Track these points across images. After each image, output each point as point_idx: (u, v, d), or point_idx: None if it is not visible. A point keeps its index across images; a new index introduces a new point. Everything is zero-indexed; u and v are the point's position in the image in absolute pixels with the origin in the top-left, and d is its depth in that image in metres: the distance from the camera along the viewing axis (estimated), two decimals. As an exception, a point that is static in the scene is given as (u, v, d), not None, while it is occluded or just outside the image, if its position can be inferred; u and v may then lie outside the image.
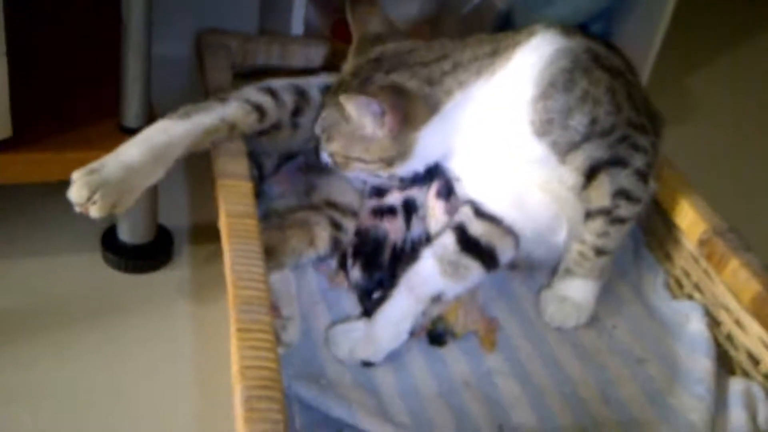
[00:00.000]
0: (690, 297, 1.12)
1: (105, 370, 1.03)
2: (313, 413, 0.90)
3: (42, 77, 1.18)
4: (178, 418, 0.98)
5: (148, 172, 0.95)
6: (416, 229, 1.09)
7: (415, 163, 1.03)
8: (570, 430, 0.95)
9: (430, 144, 1.01)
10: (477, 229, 1.03)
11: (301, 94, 1.09)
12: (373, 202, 1.11)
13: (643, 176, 1.04)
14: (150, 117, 1.11)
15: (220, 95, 1.03)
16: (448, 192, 1.07)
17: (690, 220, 1.10)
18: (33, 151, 1.05)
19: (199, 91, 1.29)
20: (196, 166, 1.36)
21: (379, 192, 1.11)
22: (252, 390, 0.72)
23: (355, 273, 1.06)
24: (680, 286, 1.14)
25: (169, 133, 0.97)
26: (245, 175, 0.98)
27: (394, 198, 1.10)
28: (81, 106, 1.14)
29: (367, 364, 0.98)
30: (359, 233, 1.09)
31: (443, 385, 0.98)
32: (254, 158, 1.12)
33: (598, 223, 1.04)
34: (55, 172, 1.07)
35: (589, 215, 1.04)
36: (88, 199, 0.91)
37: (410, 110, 0.98)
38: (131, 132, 1.09)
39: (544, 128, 0.98)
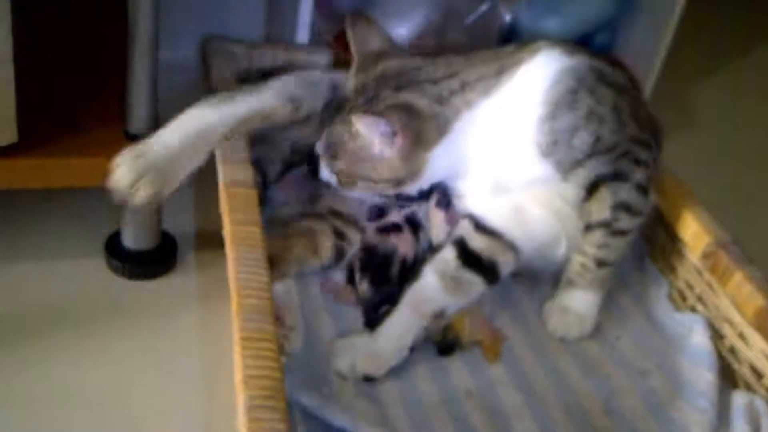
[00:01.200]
0: (693, 309, 1.12)
1: (108, 376, 1.03)
2: (315, 422, 0.90)
3: (48, 83, 1.18)
4: (181, 426, 0.98)
5: (191, 158, 0.95)
6: (423, 243, 1.09)
7: (423, 183, 1.03)
8: (572, 441, 0.95)
9: (439, 164, 1.00)
10: (477, 243, 1.03)
11: (334, 89, 1.09)
12: (374, 224, 1.11)
13: (643, 190, 1.04)
14: (156, 123, 1.11)
15: (254, 85, 1.03)
16: (447, 202, 1.08)
17: (694, 232, 1.09)
18: (38, 156, 1.05)
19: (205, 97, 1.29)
20: (201, 173, 1.36)
21: (380, 213, 1.11)
22: (255, 399, 0.72)
23: (364, 286, 1.06)
24: (683, 298, 1.14)
25: (206, 120, 0.96)
26: (250, 182, 0.98)
27: (396, 216, 1.11)
28: (86, 112, 1.14)
29: (368, 379, 0.97)
30: (366, 249, 1.09)
31: (446, 395, 0.98)
32: (258, 165, 1.12)
33: (598, 236, 1.04)
34: (60, 178, 1.07)
35: (589, 228, 1.04)
36: (133, 184, 0.89)
37: (421, 131, 0.97)
38: (137, 138, 1.09)
39: (549, 149, 0.98)
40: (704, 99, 2.00)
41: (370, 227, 1.11)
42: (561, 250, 1.06)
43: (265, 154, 1.17)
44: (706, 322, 1.08)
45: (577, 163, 0.99)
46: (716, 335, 1.07)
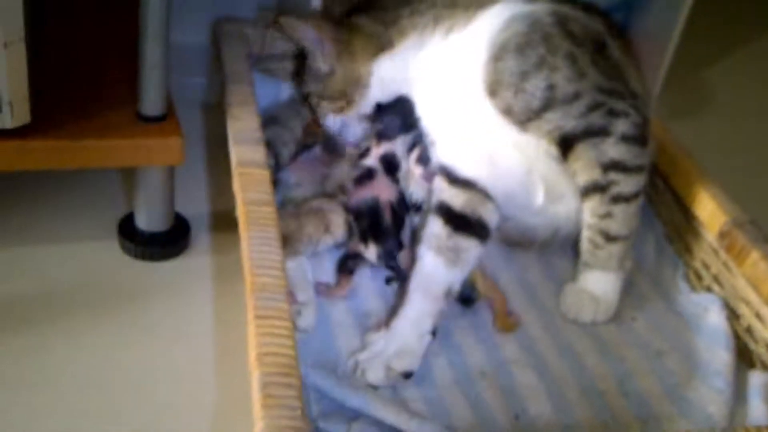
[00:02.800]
0: (709, 289, 1.11)
1: (122, 356, 1.03)
2: (329, 401, 0.90)
3: (61, 65, 1.18)
4: (196, 404, 0.98)
5: None
6: (402, 182, 1.12)
7: (375, 96, 1.10)
8: (587, 421, 0.94)
9: (385, 78, 1.08)
10: (457, 200, 1.03)
11: None
12: (353, 173, 1.12)
13: (634, 140, 1.01)
14: (168, 105, 1.11)
15: None
16: (427, 159, 1.10)
17: (710, 211, 1.08)
18: (51, 138, 1.05)
19: (217, 79, 1.29)
20: (214, 155, 1.37)
21: (364, 152, 1.14)
22: (269, 376, 0.72)
23: (372, 251, 1.06)
24: (699, 278, 1.13)
25: None
26: (263, 163, 0.98)
27: (371, 159, 1.12)
28: (99, 94, 1.14)
29: (407, 376, 0.95)
30: (353, 212, 1.09)
31: (459, 374, 0.97)
32: (271, 147, 1.13)
33: (595, 202, 1.03)
34: (73, 159, 1.07)
35: (585, 194, 1.03)
36: None
37: (354, 43, 1.08)
38: (149, 120, 1.09)
39: (494, 87, 0.99)
40: (719, 82, 1.98)
41: (350, 179, 1.12)
42: (539, 198, 1.05)
43: (277, 135, 1.17)
44: (722, 302, 1.07)
45: (534, 113, 0.98)
46: (733, 315, 1.06)
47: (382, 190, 1.09)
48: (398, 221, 1.08)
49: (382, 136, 1.13)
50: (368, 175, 1.11)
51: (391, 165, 1.11)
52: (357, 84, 1.09)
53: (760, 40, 2.25)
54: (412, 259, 1.03)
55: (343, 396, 0.90)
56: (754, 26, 2.30)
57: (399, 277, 1.06)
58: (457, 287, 1.02)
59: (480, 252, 1.04)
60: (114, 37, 1.25)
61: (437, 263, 1.01)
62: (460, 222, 1.03)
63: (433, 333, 0.98)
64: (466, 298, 1.05)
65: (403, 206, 1.10)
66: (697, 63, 1.97)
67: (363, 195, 1.09)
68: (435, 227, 1.03)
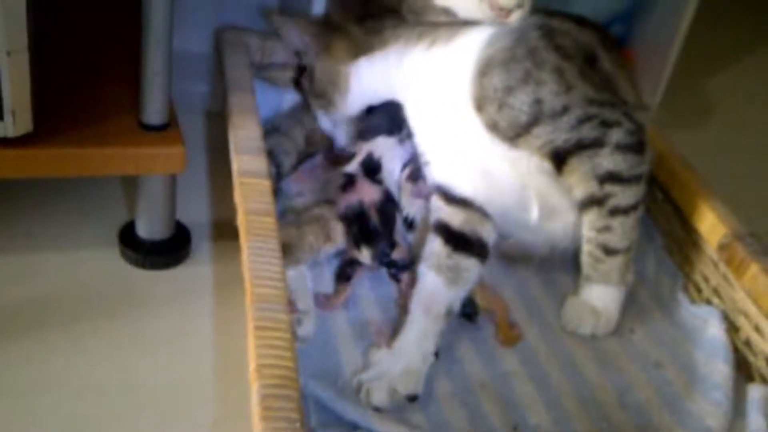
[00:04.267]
0: (709, 302, 1.11)
1: (122, 365, 1.03)
2: (328, 412, 0.90)
3: (63, 73, 1.18)
4: (195, 414, 0.98)
5: None
6: (392, 186, 1.12)
7: (355, 99, 1.13)
8: (586, 433, 0.95)
9: (365, 84, 1.11)
10: (455, 219, 1.04)
11: None
12: (340, 180, 1.13)
13: (629, 148, 1.00)
14: (170, 113, 1.11)
15: None
16: (417, 176, 1.11)
17: (709, 223, 1.09)
18: (53, 146, 1.05)
19: (220, 87, 1.29)
20: (216, 164, 1.37)
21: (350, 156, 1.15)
22: (269, 388, 0.72)
23: (366, 253, 1.06)
24: (699, 290, 1.14)
25: None
26: (264, 173, 0.99)
27: (352, 166, 1.13)
28: (101, 102, 1.14)
29: (412, 399, 0.94)
30: (343, 220, 1.09)
31: (459, 386, 0.97)
32: (273, 156, 1.13)
33: (593, 216, 1.02)
34: (75, 167, 1.07)
35: (582, 208, 1.02)
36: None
37: (334, 43, 1.11)
38: (151, 128, 1.10)
39: (479, 104, 0.99)
40: (720, 92, 1.98)
41: (337, 187, 1.13)
42: (534, 213, 1.04)
43: (279, 145, 1.17)
44: (721, 314, 1.07)
45: (522, 128, 0.98)
46: (732, 328, 1.06)
47: (365, 193, 1.10)
48: (387, 220, 1.08)
49: (363, 137, 1.14)
50: (350, 181, 1.11)
51: (370, 167, 1.12)
52: (335, 85, 1.12)
53: (761, 50, 2.25)
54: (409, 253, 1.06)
55: (343, 408, 0.90)
56: (755, 36, 2.31)
57: (403, 268, 1.06)
58: (457, 306, 1.02)
59: (480, 271, 1.05)
60: (116, 44, 1.25)
61: (438, 282, 1.01)
62: (460, 241, 1.03)
63: (437, 354, 0.98)
64: (468, 314, 1.05)
65: (390, 204, 1.10)
66: (698, 73, 1.97)
67: (349, 201, 1.09)
68: (435, 246, 1.04)
